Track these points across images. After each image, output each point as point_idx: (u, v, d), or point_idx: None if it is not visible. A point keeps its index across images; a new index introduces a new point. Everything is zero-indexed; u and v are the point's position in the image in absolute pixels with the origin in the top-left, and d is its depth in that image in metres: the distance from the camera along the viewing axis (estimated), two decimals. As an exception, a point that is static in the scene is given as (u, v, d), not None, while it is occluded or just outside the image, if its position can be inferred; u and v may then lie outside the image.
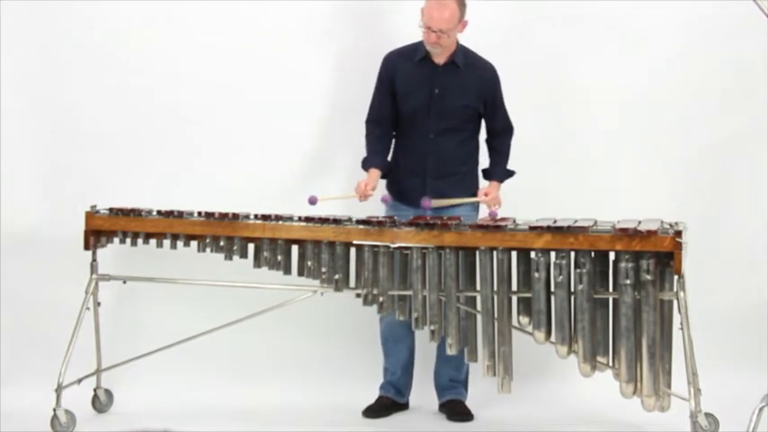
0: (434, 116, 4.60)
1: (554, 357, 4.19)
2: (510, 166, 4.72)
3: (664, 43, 5.01)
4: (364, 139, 4.71)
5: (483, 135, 4.75)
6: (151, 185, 4.99)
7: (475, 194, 4.66)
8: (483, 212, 4.67)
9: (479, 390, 4.75)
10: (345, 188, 4.80)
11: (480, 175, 4.75)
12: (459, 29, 4.53)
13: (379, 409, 4.71)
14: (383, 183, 4.71)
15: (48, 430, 4.42)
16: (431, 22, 4.46)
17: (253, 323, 4.55)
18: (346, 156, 4.97)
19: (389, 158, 4.70)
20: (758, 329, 4.95)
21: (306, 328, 5.00)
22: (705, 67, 5.00)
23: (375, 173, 4.63)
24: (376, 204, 4.61)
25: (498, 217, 4.37)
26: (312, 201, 4.47)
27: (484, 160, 4.76)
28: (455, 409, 4.69)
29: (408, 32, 4.63)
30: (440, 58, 4.58)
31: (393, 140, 4.72)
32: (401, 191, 4.67)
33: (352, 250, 4.34)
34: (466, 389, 4.76)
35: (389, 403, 4.75)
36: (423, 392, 4.82)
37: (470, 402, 4.72)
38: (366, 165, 4.67)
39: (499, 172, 4.70)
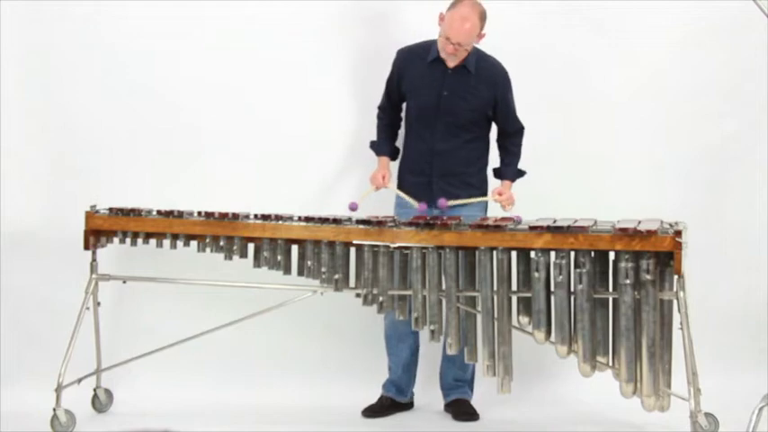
0: (442, 117, 4.59)
1: (554, 357, 4.19)
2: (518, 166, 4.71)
3: (664, 43, 5.01)
4: (376, 121, 4.78)
5: (494, 134, 4.75)
6: (151, 185, 4.99)
7: (484, 195, 4.66)
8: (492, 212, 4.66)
9: (481, 389, 4.75)
10: (358, 186, 4.87)
11: (491, 174, 4.74)
12: (476, 41, 4.51)
13: (378, 409, 4.71)
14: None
15: (48, 430, 4.42)
16: (450, 33, 4.43)
17: (253, 323, 4.56)
18: (354, 161, 5.00)
19: (398, 145, 4.79)
20: (758, 329, 4.95)
21: (306, 328, 5.00)
22: (705, 67, 5.00)
23: (385, 161, 4.70)
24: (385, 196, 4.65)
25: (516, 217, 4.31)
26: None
27: (495, 161, 4.76)
28: (461, 409, 4.69)
29: (425, 31, 4.64)
30: (452, 62, 4.57)
31: (401, 127, 4.78)
32: (408, 187, 4.68)
33: (352, 250, 4.34)
34: (471, 389, 4.77)
35: (389, 403, 4.75)
36: (427, 392, 4.83)
37: (472, 402, 4.72)
38: (377, 150, 4.75)
39: (511, 171, 4.69)
